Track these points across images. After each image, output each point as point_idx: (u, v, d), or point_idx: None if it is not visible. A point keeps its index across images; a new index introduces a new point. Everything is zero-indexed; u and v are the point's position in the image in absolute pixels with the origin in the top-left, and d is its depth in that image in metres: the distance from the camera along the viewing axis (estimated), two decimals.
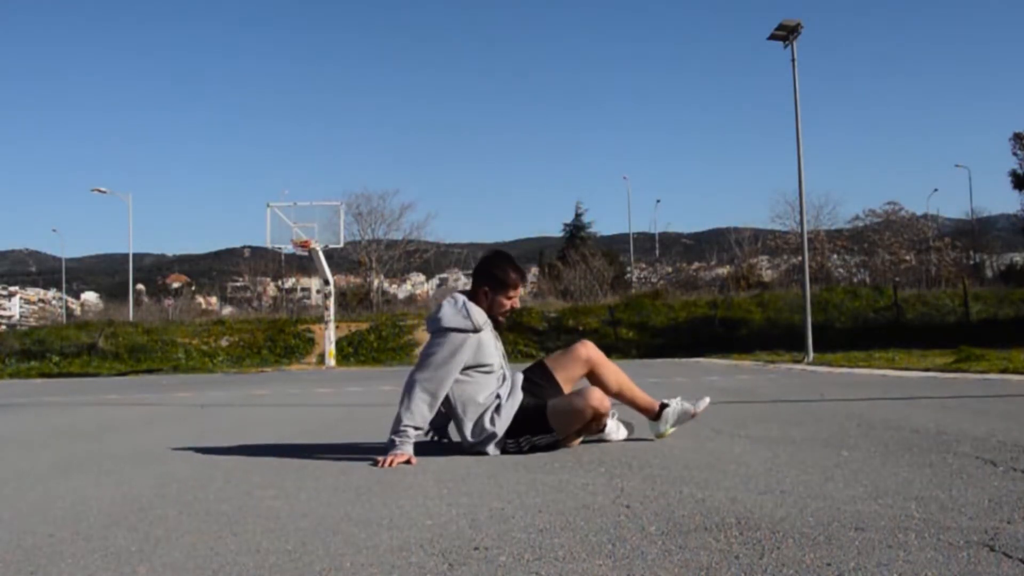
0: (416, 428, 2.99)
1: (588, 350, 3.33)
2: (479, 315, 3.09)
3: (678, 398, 3.43)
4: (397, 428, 2.97)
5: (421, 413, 3.00)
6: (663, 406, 3.36)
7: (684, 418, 3.40)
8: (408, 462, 2.89)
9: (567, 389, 3.26)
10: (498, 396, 3.10)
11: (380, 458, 2.92)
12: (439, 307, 3.14)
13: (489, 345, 3.12)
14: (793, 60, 15.32)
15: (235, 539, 1.84)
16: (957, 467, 2.49)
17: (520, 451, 3.10)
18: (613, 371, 3.33)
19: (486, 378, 3.11)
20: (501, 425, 3.06)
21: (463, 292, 3.23)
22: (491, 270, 3.20)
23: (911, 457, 2.72)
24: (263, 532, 1.90)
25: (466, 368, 3.07)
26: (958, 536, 1.65)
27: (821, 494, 2.13)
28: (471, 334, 3.06)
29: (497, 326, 3.25)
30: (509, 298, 3.20)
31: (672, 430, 3.40)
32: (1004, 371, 8.00)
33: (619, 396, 3.35)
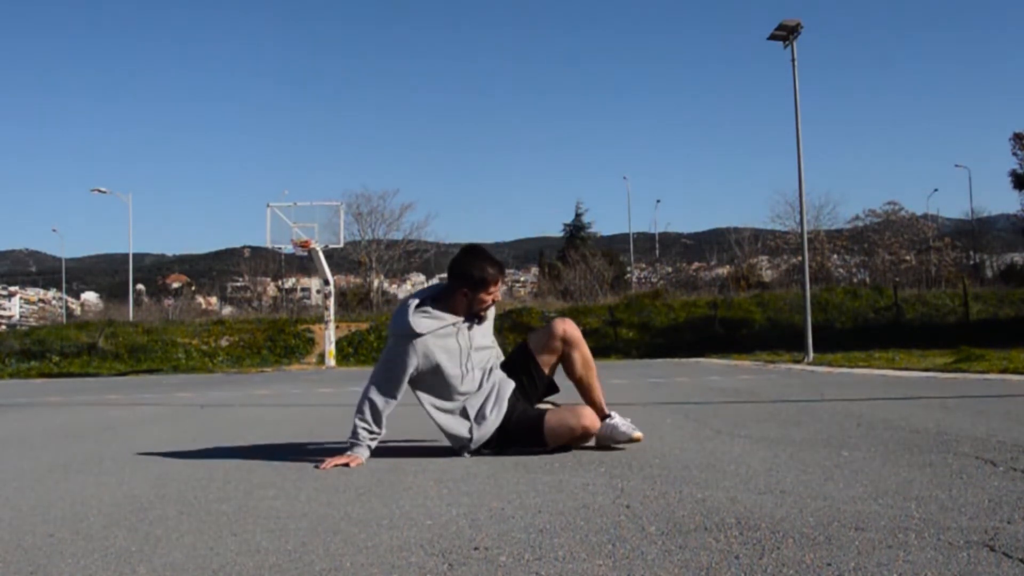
0: (371, 433, 2.99)
1: (565, 326, 3.19)
2: (421, 322, 3.00)
3: (620, 418, 3.21)
4: (353, 432, 3.00)
5: (376, 416, 3.00)
6: (605, 417, 3.18)
7: (617, 436, 3.15)
8: (347, 464, 2.88)
9: (547, 367, 3.18)
10: (464, 401, 3.04)
11: (328, 459, 2.93)
12: (398, 306, 3.15)
13: (445, 350, 3.02)
14: (793, 60, 15.34)
15: (235, 539, 1.83)
16: (957, 467, 2.49)
17: (500, 454, 3.05)
18: (583, 358, 3.18)
19: (444, 383, 3.03)
20: (478, 433, 3.01)
21: (439, 288, 3.16)
22: (468, 271, 3.07)
23: (911, 457, 2.72)
24: (263, 532, 1.90)
25: (421, 372, 3.02)
26: (958, 536, 1.64)
27: (821, 494, 2.12)
28: (414, 339, 2.99)
29: (480, 320, 3.14)
30: (489, 294, 3.11)
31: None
32: (1004, 371, 7.99)
33: (577, 384, 3.22)
